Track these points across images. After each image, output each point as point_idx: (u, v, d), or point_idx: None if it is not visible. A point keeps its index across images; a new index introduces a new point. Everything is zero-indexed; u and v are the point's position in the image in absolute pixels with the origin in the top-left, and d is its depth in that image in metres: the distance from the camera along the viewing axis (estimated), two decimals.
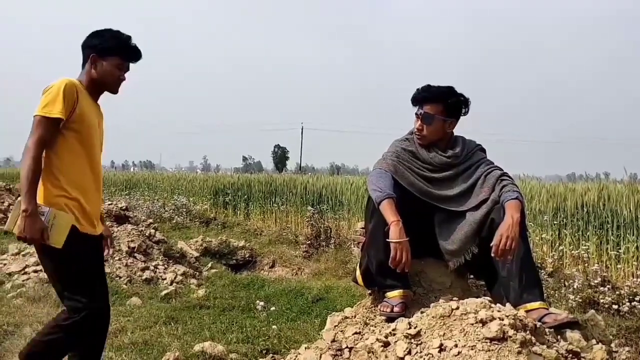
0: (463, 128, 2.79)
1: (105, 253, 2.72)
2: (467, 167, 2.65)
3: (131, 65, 2.61)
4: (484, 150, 2.75)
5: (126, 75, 2.60)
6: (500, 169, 2.61)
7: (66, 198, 2.38)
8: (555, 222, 7.31)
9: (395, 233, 2.34)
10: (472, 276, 2.83)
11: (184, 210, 12.37)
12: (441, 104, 2.62)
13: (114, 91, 2.61)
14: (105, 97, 2.63)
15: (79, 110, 2.40)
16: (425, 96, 2.65)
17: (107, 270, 5.79)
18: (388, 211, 2.41)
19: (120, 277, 5.77)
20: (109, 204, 7.16)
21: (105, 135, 2.70)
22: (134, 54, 2.60)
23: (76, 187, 2.42)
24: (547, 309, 2.30)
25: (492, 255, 2.31)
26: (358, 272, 2.67)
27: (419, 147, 2.69)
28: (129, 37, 2.57)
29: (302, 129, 55.09)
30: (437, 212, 2.63)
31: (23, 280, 5.47)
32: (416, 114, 2.66)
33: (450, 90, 2.66)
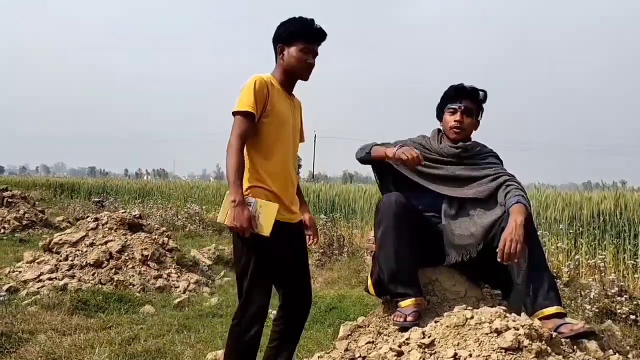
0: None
1: (309, 242, 2.81)
2: (475, 163, 2.69)
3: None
4: (498, 158, 2.76)
5: (315, 60, 2.56)
6: (510, 175, 2.60)
7: (265, 190, 2.47)
8: (571, 231, 7.22)
9: (394, 149, 2.53)
10: (487, 286, 2.81)
11: (197, 218, 12.41)
12: (476, 103, 2.73)
13: (305, 77, 2.60)
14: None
15: (270, 106, 2.47)
16: (466, 92, 2.72)
17: (120, 278, 5.84)
18: (381, 148, 2.66)
19: (133, 285, 5.79)
20: (122, 212, 7.21)
21: (304, 123, 2.75)
22: (318, 35, 2.55)
23: (273, 180, 2.50)
24: (564, 314, 2.28)
25: (499, 260, 2.30)
26: (369, 282, 2.65)
27: (433, 140, 2.76)
28: (312, 20, 2.54)
29: (314, 136, 55.14)
30: (447, 206, 2.65)
31: (38, 288, 5.52)
32: (454, 107, 2.71)
33: (484, 92, 2.74)
